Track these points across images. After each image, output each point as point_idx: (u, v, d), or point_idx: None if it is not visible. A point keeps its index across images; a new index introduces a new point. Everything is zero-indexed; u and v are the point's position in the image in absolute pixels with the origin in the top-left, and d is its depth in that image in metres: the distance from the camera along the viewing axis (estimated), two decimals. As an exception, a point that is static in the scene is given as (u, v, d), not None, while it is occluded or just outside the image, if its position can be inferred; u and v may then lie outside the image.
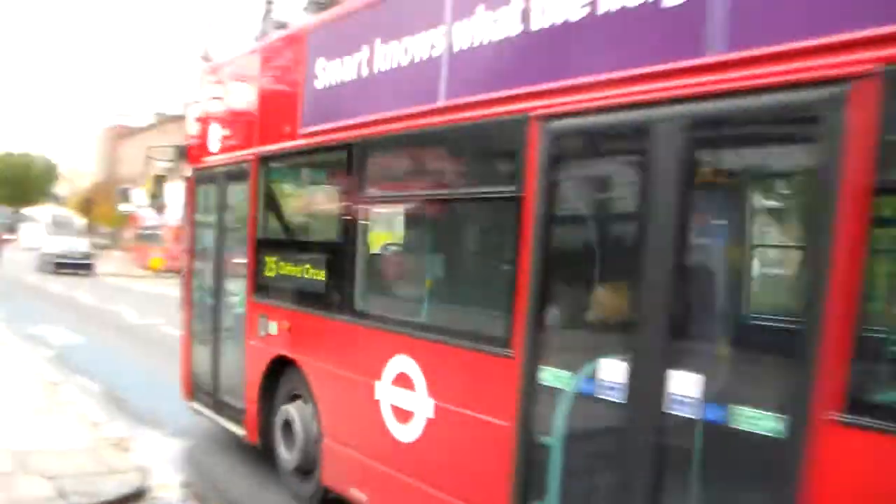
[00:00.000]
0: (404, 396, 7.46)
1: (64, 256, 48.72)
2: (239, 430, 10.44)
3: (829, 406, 4.62)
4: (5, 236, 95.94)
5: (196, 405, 11.61)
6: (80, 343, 20.24)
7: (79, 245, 51.45)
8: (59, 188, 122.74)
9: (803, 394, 4.68)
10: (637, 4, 5.56)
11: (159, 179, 15.44)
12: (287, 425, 9.44)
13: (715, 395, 5.12)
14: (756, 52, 4.99)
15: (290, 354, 9.34)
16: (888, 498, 4.40)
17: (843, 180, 4.62)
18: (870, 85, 4.60)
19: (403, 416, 7.49)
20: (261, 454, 10.28)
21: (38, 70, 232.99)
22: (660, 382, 5.29)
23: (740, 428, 4.96)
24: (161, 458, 10.83)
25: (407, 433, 7.49)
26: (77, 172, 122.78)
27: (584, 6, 5.85)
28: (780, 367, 4.88)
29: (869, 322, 4.72)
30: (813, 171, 4.76)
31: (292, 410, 9.36)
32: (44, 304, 28.56)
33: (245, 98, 10.34)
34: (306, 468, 9.24)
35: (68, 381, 15.21)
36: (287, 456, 9.49)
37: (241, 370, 10.23)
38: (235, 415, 10.59)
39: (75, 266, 48.60)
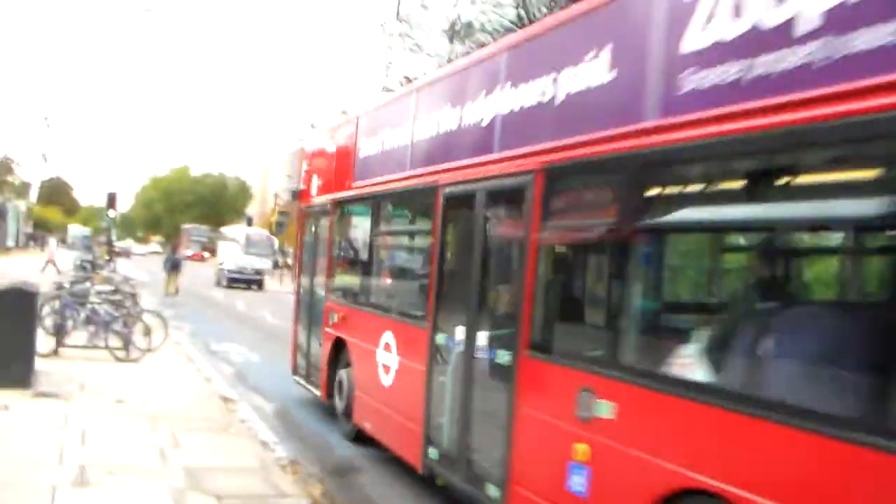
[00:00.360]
0: (387, 357, 12.38)
1: (237, 272, 56.97)
2: (317, 392, 16.05)
3: (524, 348, 8.85)
4: (203, 254, 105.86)
5: (297, 378, 17.72)
6: (256, 361, 22.65)
7: (252, 262, 58.29)
8: (251, 208, 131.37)
9: (516, 343, 9.00)
10: (471, 124, 10.23)
11: None
12: (339, 384, 14.94)
13: (489, 345, 9.64)
14: (507, 153, 9.31)
15: (342, 335, 14.63)
16: (546, 391, 8.21)
17: (531, 226, 8.65)
18: (540, 175, 8.60)
19: (386, 369, 12.41)
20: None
21: (233, 95, 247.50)
22: (472, 340, 9.89)
23: (497, 361, 9.37)
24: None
25: (387, 380, 12.42)
26: (268, 193, 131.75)
27: (450, 130, 10.74)
28: (512, 333, 9.03)
29: (538, 310, 8.74)
30: (522, 218, 8.88)
31: (342, 373, 14.98)
32: (212, 311, 37.60)
33: (328, 158, 15.79)
34: (347, 413, 14.38)
35: (244, 399, 16.62)
36: (339, 405, 15.06)
37: (320, 349, 16.00)
38: (316, 381, 16.32)
39: (246, 281, 55.32)
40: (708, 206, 6.92)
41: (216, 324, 31.65)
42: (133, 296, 23.59)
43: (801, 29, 5.72)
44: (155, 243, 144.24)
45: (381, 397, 12.42)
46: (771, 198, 6.26)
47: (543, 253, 8.67)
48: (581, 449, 7.51)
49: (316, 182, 16.38)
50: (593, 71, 7.72)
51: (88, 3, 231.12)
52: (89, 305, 20.80)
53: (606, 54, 7.58)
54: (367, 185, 13.40)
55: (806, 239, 7.15)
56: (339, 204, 14.91)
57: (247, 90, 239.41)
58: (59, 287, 22.94)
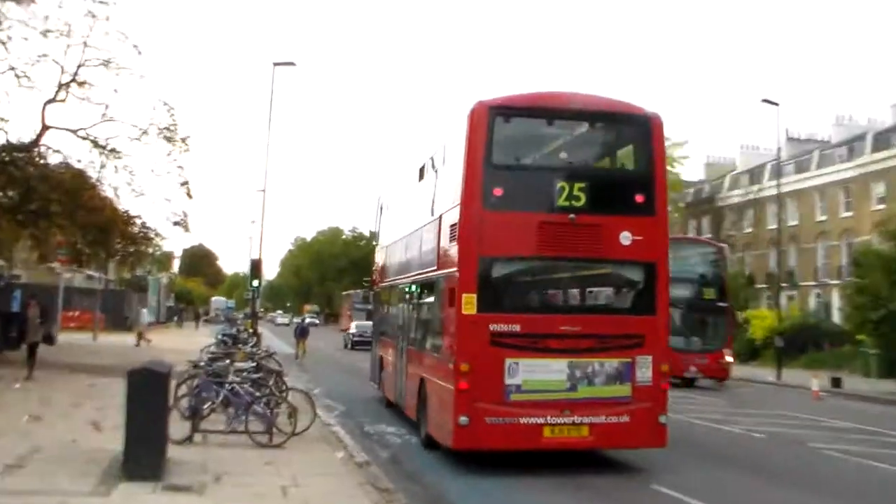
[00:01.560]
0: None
1: (358, 336, 68.52)
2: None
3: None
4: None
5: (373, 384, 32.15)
6: (413, 442, 22.13)
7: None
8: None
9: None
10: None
11: None
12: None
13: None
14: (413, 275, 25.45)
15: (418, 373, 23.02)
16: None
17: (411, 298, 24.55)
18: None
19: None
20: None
21: (379, 148, 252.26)
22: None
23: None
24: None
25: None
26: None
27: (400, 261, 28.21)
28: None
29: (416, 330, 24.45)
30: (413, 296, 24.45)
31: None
32: (341, 375, 43.07)
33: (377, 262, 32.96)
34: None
35: (400, 489, 16.18)
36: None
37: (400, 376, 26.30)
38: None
39: (366, 343, 62.09)
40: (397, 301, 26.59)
41: (342, 384, 36.68)
42: (278, 374, 22.16)
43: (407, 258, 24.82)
44: (308, 314, 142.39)
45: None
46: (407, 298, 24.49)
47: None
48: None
49: (377, 274, 31.94)
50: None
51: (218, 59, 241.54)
52: (228, 385, 19.81)
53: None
54: (383, 283, 29.84)
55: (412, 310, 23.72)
56: (380, 291, 30.64)
57: (392, 143, 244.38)
58: (196, 365, 21.90)
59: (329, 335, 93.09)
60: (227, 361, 22.09)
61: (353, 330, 72.33)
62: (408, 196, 26.19)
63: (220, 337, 38.04)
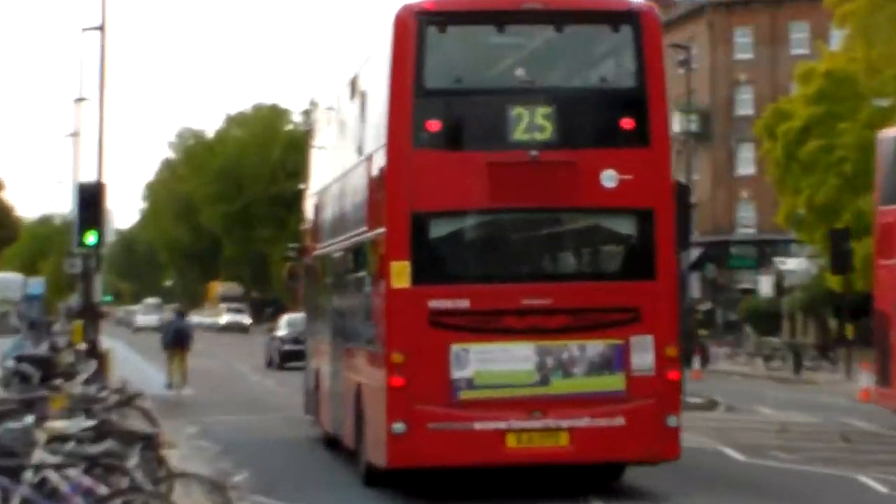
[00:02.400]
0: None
1: (292, 342, 41.42)
2: None
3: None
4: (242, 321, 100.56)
5: None
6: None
7: None
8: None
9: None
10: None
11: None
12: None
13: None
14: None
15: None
16: None
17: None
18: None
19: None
20: None
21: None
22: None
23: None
24: None
25: None
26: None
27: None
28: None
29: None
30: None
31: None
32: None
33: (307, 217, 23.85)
34: None
35: None
36: None
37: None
38: None
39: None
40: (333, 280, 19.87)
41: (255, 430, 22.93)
42: (148, 440, 11.34)
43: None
44: (228, 305, 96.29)
45: None
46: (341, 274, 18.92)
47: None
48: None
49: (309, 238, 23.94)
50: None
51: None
52: (32, 474, 9.56)
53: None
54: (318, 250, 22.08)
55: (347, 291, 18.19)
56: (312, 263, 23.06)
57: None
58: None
59: (258, 344, 54.69)
60: (28, 420, 10.81)
61: (282, 332, 44.90)
62: (340, 119, 19.93)
63: (7, 365, 19.80)
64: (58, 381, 15.11)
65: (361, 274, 16.93)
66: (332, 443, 19.86)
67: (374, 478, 15.72)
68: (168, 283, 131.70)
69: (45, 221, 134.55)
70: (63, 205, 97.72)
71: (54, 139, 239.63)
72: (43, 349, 25.13)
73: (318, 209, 21.87)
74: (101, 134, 30.49)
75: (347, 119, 18.50)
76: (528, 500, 14.66)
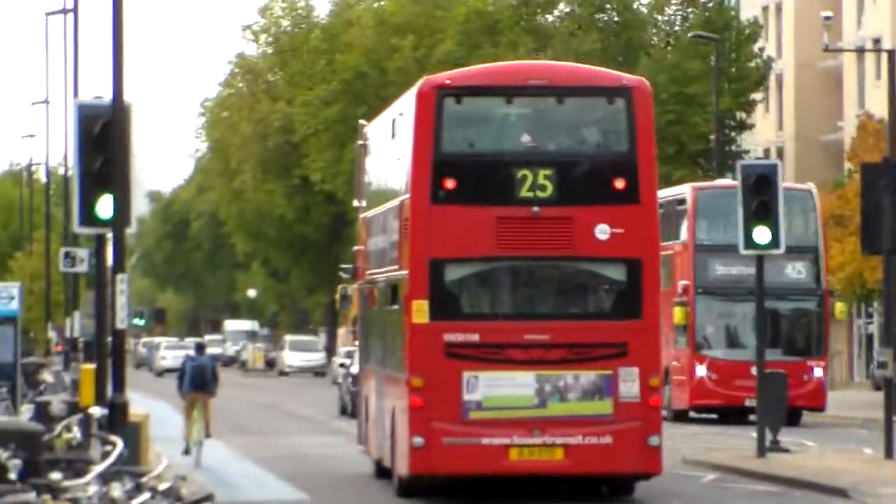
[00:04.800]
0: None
1: None
2: None
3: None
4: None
5: None
6: None
7: None
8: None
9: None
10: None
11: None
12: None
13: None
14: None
15: None
16: None
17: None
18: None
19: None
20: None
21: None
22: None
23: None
24: None
25: None
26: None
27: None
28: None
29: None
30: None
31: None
32: None
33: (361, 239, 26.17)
34: None
35: None
36: None
37: None
38: None
39: None
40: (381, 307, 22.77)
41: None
42: None
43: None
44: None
45: None
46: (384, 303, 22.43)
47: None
48: None
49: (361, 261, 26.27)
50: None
51: None
52: None
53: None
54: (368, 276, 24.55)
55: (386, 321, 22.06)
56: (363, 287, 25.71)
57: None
58: None
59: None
60: None
61: (357, 367, 31.57)
62: (385, 152, 23.21)
63: None
64: (55, 477, 10.05)
65: (395, 307, 20.91)
66: (380, 471, 22.16)
67: (404, 489, 19.91)
68: (251, 292, 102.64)
69: (18, 179, 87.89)
70: (49, 153, 61.71)
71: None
72: (24, 416, 20.63)
73: (368, 233, 24.49)
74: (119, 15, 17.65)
75: (389, 155, 22.35)
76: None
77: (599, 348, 18.72)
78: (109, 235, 18.13)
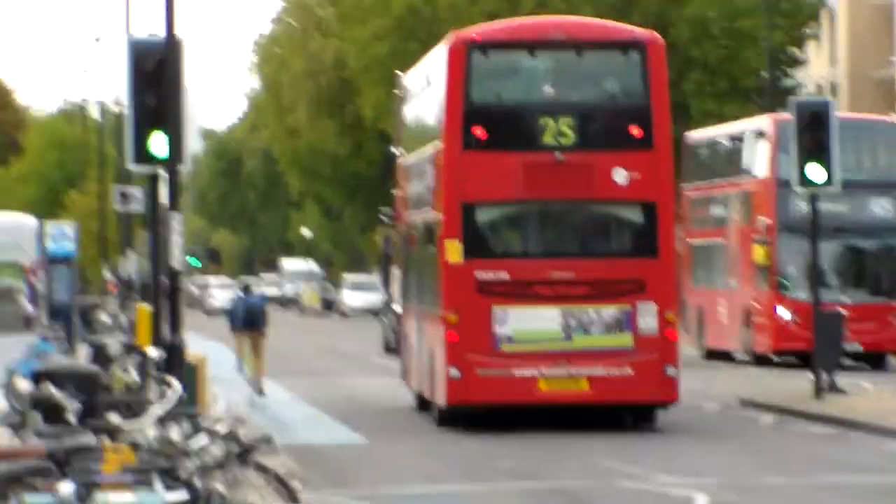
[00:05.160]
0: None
1: None
2: None
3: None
4: None
5: None
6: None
7: None
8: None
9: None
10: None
11: None
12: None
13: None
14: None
15: None
16: None
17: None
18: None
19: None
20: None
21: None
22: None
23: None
24: None
25: None
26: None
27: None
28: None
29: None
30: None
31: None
32: None
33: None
34: None
35: None
36: None
37: None
38: None
39: None
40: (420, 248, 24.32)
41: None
42: None
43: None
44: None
45: None
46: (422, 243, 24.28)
47: None
48: None
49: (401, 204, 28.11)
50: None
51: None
52: None
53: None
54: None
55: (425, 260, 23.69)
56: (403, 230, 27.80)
57: None
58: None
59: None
60: (65, 492, 8.06)
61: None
62: (421, 101, 25.13)
63: (19, 388, 11.80)
64: (113, 419, 9.87)
65: (431, 248, 22.71)
66: (422, 403, 23.72)
67: (443, 419, 21.71)
68: (306, 231, 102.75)
69: (72, 118, 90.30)
70: (102, 91, 72.85)
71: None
72: (81, 357, 20.69)
73: (407, 179, 26.11)
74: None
75: (424, 105, 24.24)
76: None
77: (620, 284, 20.58)
78: (163, 174, 17.93)
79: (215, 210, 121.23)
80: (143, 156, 17.51)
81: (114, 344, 18.99)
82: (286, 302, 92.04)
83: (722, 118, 60.64)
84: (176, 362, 16.99)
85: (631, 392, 20.59)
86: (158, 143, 17.31)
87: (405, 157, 26.09)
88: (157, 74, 17.42)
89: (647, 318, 20.45)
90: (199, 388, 19.82)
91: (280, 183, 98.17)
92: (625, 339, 20.50)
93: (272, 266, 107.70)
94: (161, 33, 17.80)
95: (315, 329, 67.87)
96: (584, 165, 20.70)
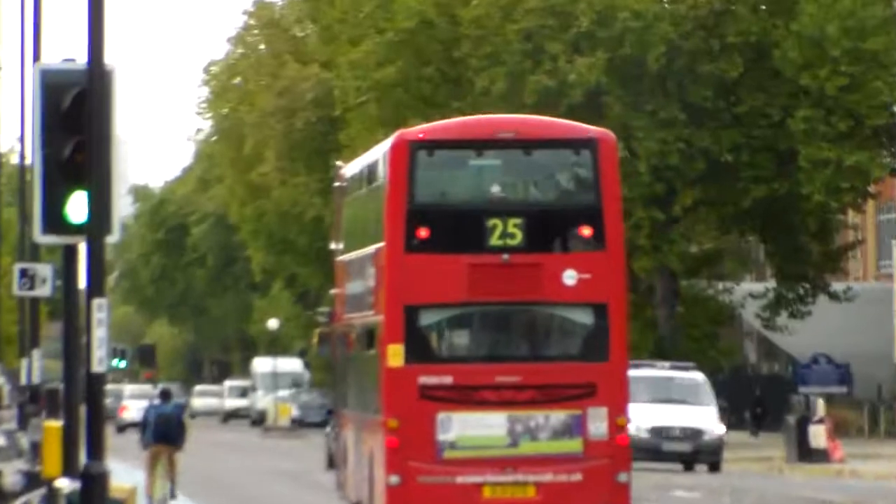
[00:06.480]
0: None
1: None
2: None
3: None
4: None
5: None
6: None
7: None
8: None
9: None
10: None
11: None
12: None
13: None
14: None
15: None
16: None
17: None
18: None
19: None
20: None
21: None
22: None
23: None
24: None
25: None
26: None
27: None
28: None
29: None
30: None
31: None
32: None
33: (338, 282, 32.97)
34: None
35: None
36: None
37: None
38: None
39: None
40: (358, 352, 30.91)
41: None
42: None
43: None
44: None
45: None
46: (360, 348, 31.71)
47: None
48: None
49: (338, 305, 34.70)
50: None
51: None
52: None
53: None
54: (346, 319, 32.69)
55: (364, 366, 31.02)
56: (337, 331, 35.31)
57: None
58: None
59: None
60: None
61: None
62: (362, 197, 30.72)
63: None
64: None
65: (371, 351, 27.00)
66: None
67: None
68: (273, 323, 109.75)
69: None
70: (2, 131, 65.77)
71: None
72: None
73: (344, 278, 31.85)
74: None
75: (365, 201, 28.91)
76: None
77: (569, 389, 25.26)
78: (82, 246, 17.65)
79: (150, 295, 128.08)
80: (55, 223, 17.49)
81: (11, 474, 21.01)
82: (260, 418, 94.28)
83: (841, 171, 65.09)
84: (97, 498, 16.51)
85: (581, 499, 25.00)
86: (77, 206, 17.28)
87: (344, 254, 30.91)
88: (75, 114, 17.31)
89: (598, 423, 25.17)
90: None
91: (238, 259, 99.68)
92: (574, 445, 25.07)
93: (223, 369, 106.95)
94: (82, 59, 17.12)
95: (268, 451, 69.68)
96: (533, 267, 25.38)
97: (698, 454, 57.79)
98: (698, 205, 72.43)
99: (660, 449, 56.02)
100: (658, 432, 55.97)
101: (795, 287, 74.55)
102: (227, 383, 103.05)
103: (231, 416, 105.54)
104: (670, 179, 69.40)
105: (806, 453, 58.49)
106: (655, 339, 71.84)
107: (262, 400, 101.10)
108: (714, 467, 56.79)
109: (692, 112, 68.43)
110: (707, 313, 77.49)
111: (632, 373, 46.40)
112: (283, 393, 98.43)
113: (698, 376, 61.17)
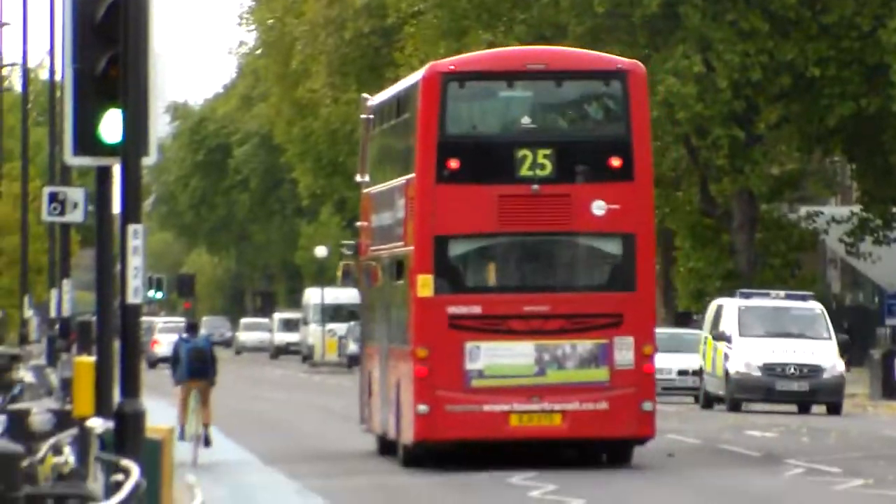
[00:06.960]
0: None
1: None
2: None
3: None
4: None
5: None
6: None
7: None
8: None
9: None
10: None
11: None
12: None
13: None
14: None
15: None
16: None
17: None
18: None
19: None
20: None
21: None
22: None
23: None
24: None
25: None
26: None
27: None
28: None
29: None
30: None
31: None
32: None
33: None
34: None
35: None
36: None
37: None
38: None
39: None
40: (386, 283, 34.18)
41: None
42: None
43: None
44: None
45: None
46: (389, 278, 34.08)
47: None
48: None
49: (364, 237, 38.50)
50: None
51: None
52: None
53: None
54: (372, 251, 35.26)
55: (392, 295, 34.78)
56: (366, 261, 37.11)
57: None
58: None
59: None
60: None
61: None
62: (390, 128, 33.01)
63: None
64: None
65: (400, 282, 29.35)
66: (384, 447, 32.50)
67: (409, 458, 28.13)
68: (321, 251, 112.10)
69: None
70: (27, 50, 62.33)
71: None
72: None
73: (371, 210, 34.20)
74: None
75: (394, 134, 31.33)
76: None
77: (596, 318, 27.66)
78: (117, 168, 17.72)
79: (189, 221, 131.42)
80: (87, 143, 17.55)
81: (40, 413, 21.04)
82: (311, 353, 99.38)
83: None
84: (131, 438, 16.55)
85: (606, 427, 27.59)
86: (111, 125, 17.32)
87: (371, 187, 33.35)
88: (109, 25, 17.31)
89: (624, 351, 27.82)
90: (166, 476, 19.54)
91: (283, 182, 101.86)
92: (601, 374, 27.63)
93: (267, 301, 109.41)
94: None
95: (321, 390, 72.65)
96: (562, 197, 27.89)
97: (816, 394, 55.16)
98: (780, 123, 74.38)
99: (773, 388, 54.62)
100: (771, 369, 54.13)
101: (883, 211, 75.46)
102: (277, 315, 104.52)
103: (281, 351, 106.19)
104: (751, 96, 71.31)
105: (891, 390, 58.46)
106: (730, 267, 74.77)
107: (313, 334, 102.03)
108: (834, 409, 53.85)
109: (776, 22, 71.33)
110: (788, 239, 79.48)
111: (742, 303, 56.57)
112: (338, 326, 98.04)
113: (816, 306, 58.48)
